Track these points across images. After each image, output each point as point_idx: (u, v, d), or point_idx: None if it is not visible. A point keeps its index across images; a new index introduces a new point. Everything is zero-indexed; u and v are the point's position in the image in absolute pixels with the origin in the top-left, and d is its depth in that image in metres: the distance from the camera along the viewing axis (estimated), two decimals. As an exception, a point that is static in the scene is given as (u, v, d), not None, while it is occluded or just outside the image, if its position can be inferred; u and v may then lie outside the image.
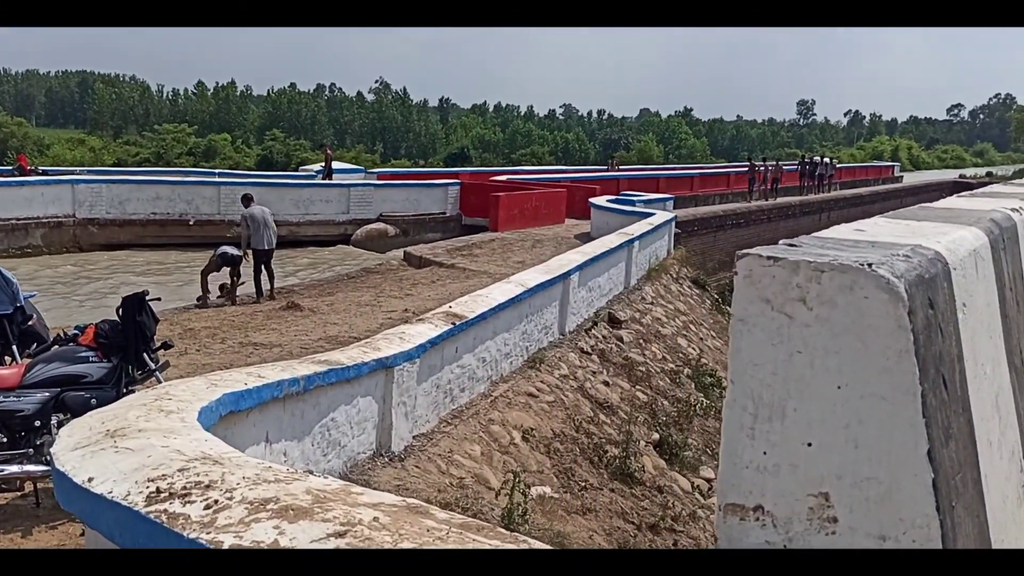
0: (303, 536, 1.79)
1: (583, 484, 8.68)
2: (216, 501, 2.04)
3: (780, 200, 33.86)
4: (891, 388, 1.34)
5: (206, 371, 8.88)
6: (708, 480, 10.69)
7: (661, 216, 18.95)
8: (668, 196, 25.48)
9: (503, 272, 15.07)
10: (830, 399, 1.39)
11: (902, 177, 64.40)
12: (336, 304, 13.04)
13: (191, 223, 22.17)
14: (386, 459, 7.25)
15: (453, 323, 8.35)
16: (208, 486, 2.14)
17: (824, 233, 1.73)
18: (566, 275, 11.60)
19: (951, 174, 76.09)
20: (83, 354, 5.98)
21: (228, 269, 14.22)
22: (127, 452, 2.54)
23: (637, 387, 11.85)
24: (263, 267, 14.55)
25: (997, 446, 1.81)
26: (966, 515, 1.49)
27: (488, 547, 1.67)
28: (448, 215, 24.65)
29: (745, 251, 1.46)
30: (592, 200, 22.27)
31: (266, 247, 14.54)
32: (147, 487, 2.20)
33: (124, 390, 5.97)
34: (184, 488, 2.15)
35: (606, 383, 11.29)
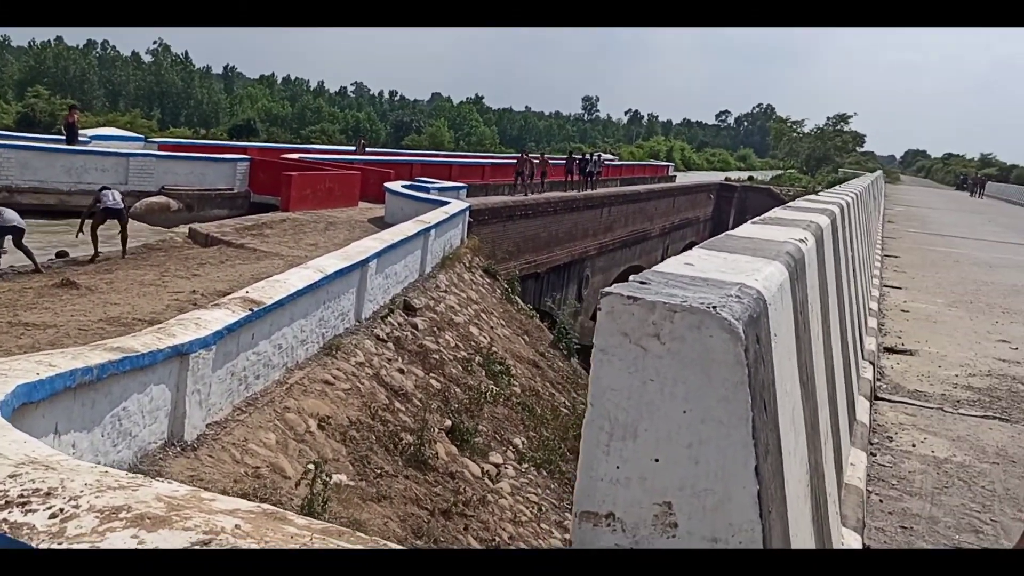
0: (165, 546, 1.80)
1: (379, 471, 8.78)
2: (61, 510, 1.98)
3: (565, 193, 35.03)
4: (728, 414, 1.57)
5: (-31, 353, 8.20)
6: (496, 465, 11.09)
7: (456, 205, 19.23)
8: (462, 184, 25.87)
9: (295, 255, 14.80)
10: (676, 421, 1.61)
11: (676, 177, 68.61)
12: (116, 283, 12.31)
13: None
14: (178, 448, 7.03)
15: (251, 309, 8.18)
16: (48, 493, 2.08)
17: (662, 268, 1.96)
18: (364, 262, 11.59)
19: (718, 176, 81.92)
20: None
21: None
22: (-60, 458, 2.40)
23: (431, 375, 12.07)
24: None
25: (793, 454, 2.12)
26: (777, 517, 1.77)
27: (356, 549, 1.77)
28: (236, 191, 23.70)
29: (608, 289, 1.65)
30: (387, 185, 22.23)
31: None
32: (-24, 496, 2.11)
33: None
34: (21, 496, 2.07)
35: (401, 371, 11.42)
